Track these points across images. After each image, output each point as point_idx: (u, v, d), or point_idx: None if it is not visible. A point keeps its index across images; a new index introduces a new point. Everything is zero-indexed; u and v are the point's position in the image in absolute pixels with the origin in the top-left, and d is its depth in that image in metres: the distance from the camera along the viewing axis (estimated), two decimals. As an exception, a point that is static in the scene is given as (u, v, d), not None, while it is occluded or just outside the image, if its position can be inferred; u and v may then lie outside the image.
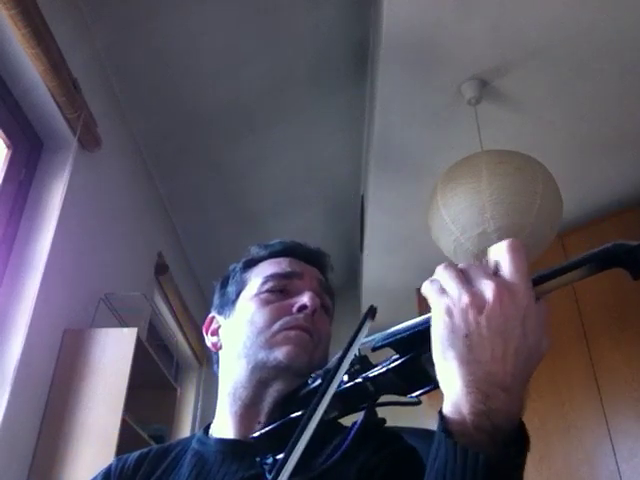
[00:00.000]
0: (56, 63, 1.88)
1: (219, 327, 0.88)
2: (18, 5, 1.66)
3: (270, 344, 0.76)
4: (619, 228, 2.77)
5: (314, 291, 0.82)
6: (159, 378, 2.41)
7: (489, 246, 1.92)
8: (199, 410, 3.52)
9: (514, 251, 0.50)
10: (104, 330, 2.07)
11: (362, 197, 3.20)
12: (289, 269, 0.84)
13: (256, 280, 0.85)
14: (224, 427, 0.78)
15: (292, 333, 0.76)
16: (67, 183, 2.05)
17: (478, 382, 0.46)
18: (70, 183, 2.06)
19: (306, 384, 0.69)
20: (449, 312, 0.48)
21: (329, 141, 3.06)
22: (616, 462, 2.46)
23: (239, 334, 0.80)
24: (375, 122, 2.52)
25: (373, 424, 0.67)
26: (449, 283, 0.50)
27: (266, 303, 0.80)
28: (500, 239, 1.90)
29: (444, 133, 2.53)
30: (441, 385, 0.50)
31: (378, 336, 0.60)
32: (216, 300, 0.91)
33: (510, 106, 2.40)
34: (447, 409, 0.48)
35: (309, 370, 0.71)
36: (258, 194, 3.32)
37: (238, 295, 0.86)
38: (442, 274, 0.51)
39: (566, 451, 2.64)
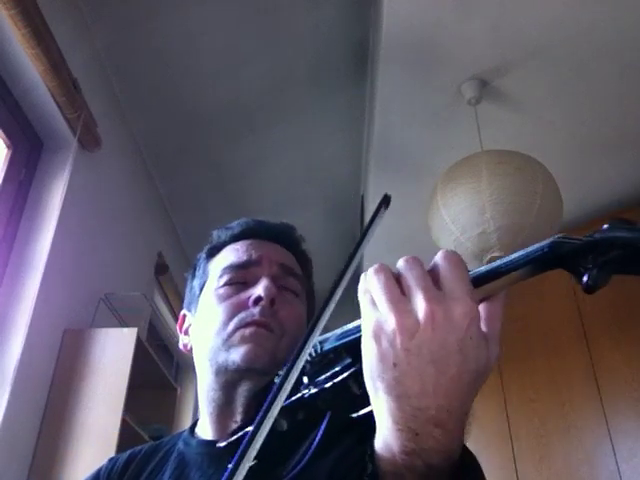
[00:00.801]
0: (56, 63, 1.88)
1: (190, 326, 0.82)
2: (18, 5, 1.66)
3: (228, 345, 0.71)
4: (619, 228, 2.76)
5: (273, 277, 0.75)
6: (159, 378, 2.41)
7: (489, 246, 1.93)
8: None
9: (455, 261, 0.43)
10: (104, 330, 2.07)
11: (362, 197, 3.20)
12: (244, 258, 0.77)
13: (215, 272, 0.79)
14: (205, 427, 0.75)
15: (247, 331, 0.70)
16: (67, 183, 2.05)
17: (407, 419, 0.41)
18: (70, 183, 2.06)
19: (273, 382, 0.64)
20: (376, 335, 0.42)
21: (329, 141, 3.06)
22: (616, 462, 2.46)
23: (202, 335, 0.75)
24: (375, 122, 2.52)
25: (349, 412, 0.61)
26: (378, 296, 0.43)
27: (223, 299, 0.74)
28: (500, 239, 1.90)
29: (444, 133, 2.54)
30: (375, 416, 0.44)
31: (332, 335, 0.53)
32: (186, 295, 0.85)
33: (510, 106, 2.40)
34: (378, 445, 0.43)
35: (274, 366, 0.66)
36: (258, 194, 3.31)
37: (202, 289, 0.80)
38: (371, 281, 0.44)
39: (566, 451, 2.64)
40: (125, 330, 2.09)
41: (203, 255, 0.84)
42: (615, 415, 2.54)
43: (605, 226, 0.40)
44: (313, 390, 0.52)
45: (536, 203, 1.89)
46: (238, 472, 0.40)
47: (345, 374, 0.50)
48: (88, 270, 2.23)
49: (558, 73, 2.26)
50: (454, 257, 0.43)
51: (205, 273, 0.81)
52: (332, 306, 0.47)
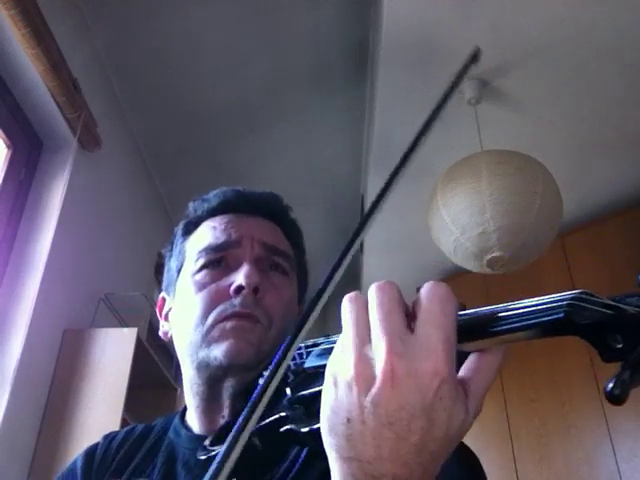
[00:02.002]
0: (56, 63, 1.88)
1: (170, 310, 0.75)
2: (18, 5, 1.66)
3: (208, 341, 0.65)
4: (619, 228, 2.77)
5: (256, 259, 0.68)
6: (159, 378, 2.41)
7: (489, 246, 1.93)
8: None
9: (439, 300, 0.35)
10: (104, 330, 2.07)
11: (362, 197, 3.20)
12: (223, 238, 0.70)
13: (191, 254, 0.71)
14: (192, 419, 0.71)
15: (228, 325, 0.64)
16: (67, 183, 2.05)
17: None
18: (70, 183, 2.06)
19: (261, 375, 0.58)
20: (335, 379, 0.36)
21: (329, 141, 3.06)
22: (616, 462, 2.46)
23: (181, 325, 0.69)
24: (375, 122, 2.52)
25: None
26: (346, 332, 0.36)
27: (201, 287, 0.68)
28: (500, 239, 1.90)
29: (444, 133, 2.53)
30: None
31: (316, 349, 0.46)
32: (164, 275, 0.78)
33: (510, 106, 2.40)
34: None
35: (260, 361, 0.61)
36: (258, 194, 3.32)
37: (179, 272, 0.73)
38: (343, 311, 0.38)
39: (566, 451, 2.64)
40: (125, 330, 2.09)
41: (179, 232, 0.77)
42: (615, 415, 2.54)
43: None
44: (287, 426, 0.46)
45: (536, 203, 1.89)
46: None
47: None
48: (88, 270, 2.23)
49: (558, 73, 2.26)
50: (443, 295, 0.35)
51: (182, 253, 0.74)
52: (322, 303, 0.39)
